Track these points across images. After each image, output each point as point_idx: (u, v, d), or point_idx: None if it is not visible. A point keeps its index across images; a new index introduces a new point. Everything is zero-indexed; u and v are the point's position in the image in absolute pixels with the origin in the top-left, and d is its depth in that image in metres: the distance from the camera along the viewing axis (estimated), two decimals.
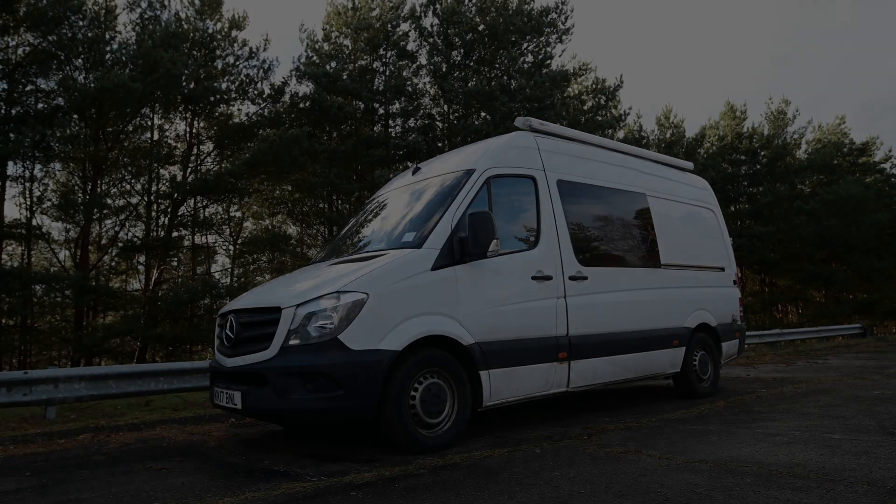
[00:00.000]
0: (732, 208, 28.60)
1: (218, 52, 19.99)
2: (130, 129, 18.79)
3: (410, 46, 21.31)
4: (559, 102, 19.87)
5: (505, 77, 19.73)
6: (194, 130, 20.90)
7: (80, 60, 17.09)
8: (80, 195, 18.12)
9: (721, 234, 7.63)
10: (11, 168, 17.56)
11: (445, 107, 21.04)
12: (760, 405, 5.93)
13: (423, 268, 4.36)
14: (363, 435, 5.01)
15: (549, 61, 20.82)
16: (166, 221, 19.00)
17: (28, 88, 16.99)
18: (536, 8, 20.36)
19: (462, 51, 20.15)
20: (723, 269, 7.39)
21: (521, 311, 4.82)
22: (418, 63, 21.44)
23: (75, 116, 16.19)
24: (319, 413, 3.99)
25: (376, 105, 20.65)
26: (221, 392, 4.51)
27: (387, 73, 21.18)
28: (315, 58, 20.89)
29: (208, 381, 5.30)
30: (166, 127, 20.78)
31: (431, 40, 20.26)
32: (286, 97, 20.81)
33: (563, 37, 21.22)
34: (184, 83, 17.36)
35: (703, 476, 3.30)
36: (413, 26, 20.91)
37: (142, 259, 19.83)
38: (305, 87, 20.87)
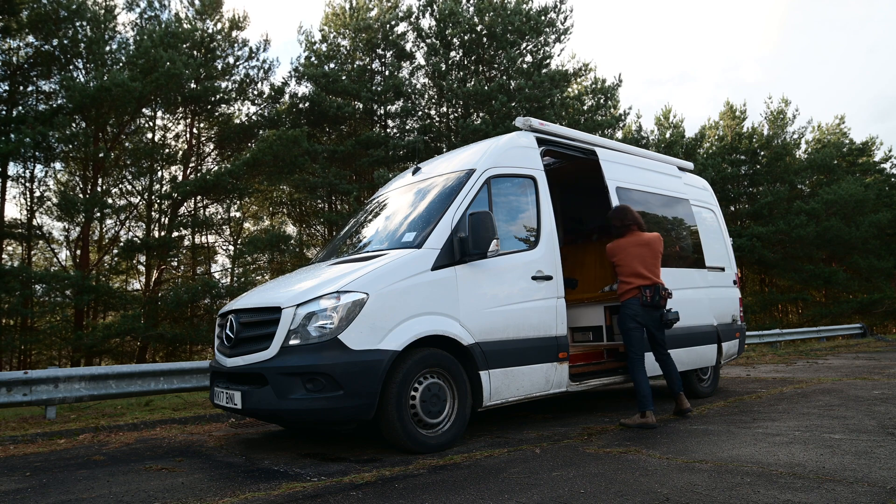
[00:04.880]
0: (732, 208, 28.59)
1: (218, 53, 20.01)
2: (131, 129, 18.80)
3: (408, 47, 21.34)
4: (558, 102, 19.86)
5: (504, 77, 19.72)
6: (194, 130, 20.92)
7: (80, 61, 17.09)
8: (80, 195, 18.12)
9: (721, 234, 7.64)
10: (12, 168, 17.61)
11: (444, 107, 21.06)
12: (760, 405, 5.93)
13: (423, 268, 4.36)
14: (363, 435, 5.01)
15: (547, 61, 20.82)
16: (166, 221, 19.01)
17: (29, 89, 17.03)
18: (535, 7, 20.37)
19: (460, 51, 20.15)
20: (723, 270, 7.39)
21: (521, 311, 4.82)
22: (416, 63, 21.48)
23: (76, 116, 16.20)
24: (319, 413, 3.99)
25: (375, 105, 20.66)
26: (221, 392, 4.51)
27: (385, 74, 21.20)
28: (313, 58, 20.92)
29: (208, 381, 5.31)
30: (167, 127, 20.82)
31: (429, 41, 20.26)
32: (286, 97, 20.86)
33: (562, 37, 21.25)
34: (184, 83, 17.36)
35: (704, 476, 3.31)
36: (411, 27, 20.92)
37: (142, 259, 19.83)
38: (305, 88, 20.93)
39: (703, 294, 6.77)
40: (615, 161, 6.26)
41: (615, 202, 5.93)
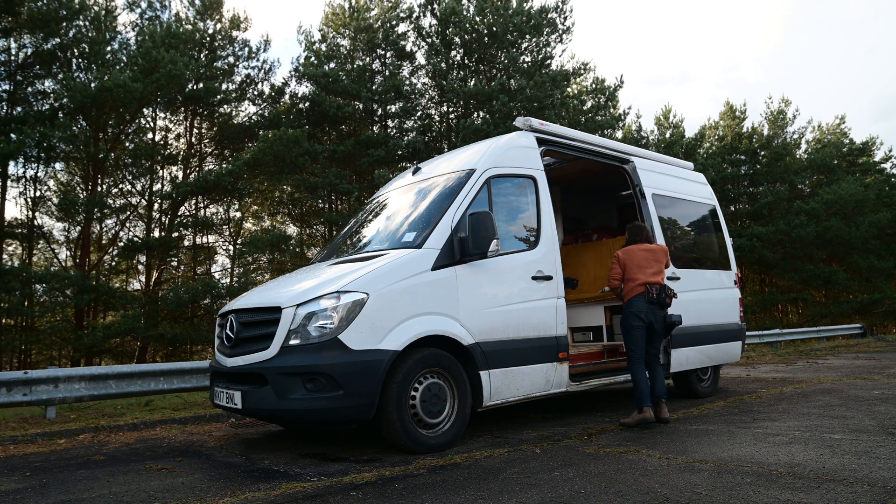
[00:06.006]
0: (732, 208, 28.58)
1: (218, 53, 20.01)
2: (131, 129, 18.80)
3: (409, 47, 21.34)
4: (559, 102, 19.86)
5: (504, 77, 19.72)
6: (195, 131, 20.92)
7: (81, 61, 17.09)
8: (80, 195, 18.12)
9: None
10: (12, 168, 17.60)
11: (445, 107, 21.05)
12: (760, 405, 5.93)
13: (424, 268, 4.35)
14: (363, 435, 5.01)
15: (548, 61, 20.82)
16: (166, 221, 19.00)
17: (30, 90, 17.01)
18: (535, 7, 20.38)
19: (461, 50, 20.16)
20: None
21: (521, 311, 4.82)
22: (417, 63, 21.48)
23: (76, 117, 16.19)
24: (319, 413, 3.99)
25: (375, 105, 20.66)
26: (221, 392, 4.51)
27: (385, 74, 21.20)
28: (313, 58, 20.92)
29: (208, 381, 5.31)
30: (168, 127, 20.82)
31: (430, 40, 20.26)
32: (286, 98, 20.85)
33: (563, 36, 21.25)
34: (184, 84, 17.36)
35: (704, 476, 3.31)
36: (411, 27, 20.92)
37: (142, 259, 19.83)
38: (305, 88, 20.93)
39: (729, 294, 7.12)
40: (650, 170, 6.57)
41: (651, 209, 6.24)
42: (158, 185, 19.60)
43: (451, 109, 20.88)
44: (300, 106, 20.58)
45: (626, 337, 5.18)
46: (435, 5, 20.00)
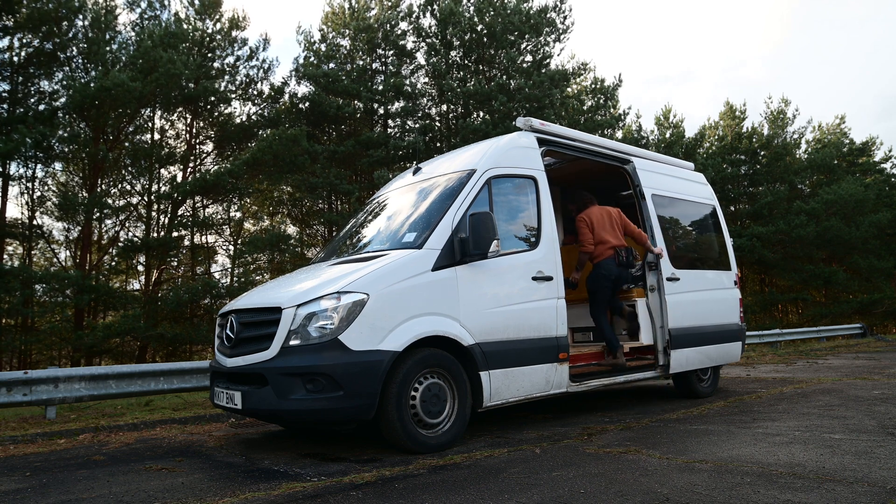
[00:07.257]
0: (732, 208, 28.59)
1: (218, 53, 20.01)
2: (131, 129, 18.79)
3: (409, 47, 21.35)
4: (558, 102, 19.86)
5: (504, 77, 19.73)
6: (194, 130, 20.91)
7: (80, 60, 17.08)
8: (80, 195, 18.12)
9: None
10: (13, 168, 17.59)
11: (444, 107, 21.05)
12: (760, 405, 5.93)
13: (424, 268, 4.35)
14: (363, 435, 5.01)
15: (547, 61, 20.83)
16: (166, 221, 18.99)
17: (30, 90, 17.01)
18: (534, 7, 20.38)
19: (461, 51, 20.16)
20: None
21: (521, 312, 4.82)
22: (416, 63, 21.49)
23: (76, 116, 16.19)
24: (320, 413, 3.99)
25: (375, 105, 20.66)
26: (221, 392, 4.51)
27: (386, 73, 21.21)
28: (313, 58, 20.92)
29: (208, 381, 5.31)
30: (166, 127, 20.81)
31: (429, 41, 20.27)
32: (286, 97, 20.85)
33: (562, 36, 21.26)
34: (183, 83, 17.35)
35: (704, 476, 3.31)
36: (411, 26, 20.93)
37: (142, 259, 19.82)
38: (305, 88, 20.93)
39: (729, 294, 7.14)
40: (650, 170, 6.58)
41: (651, 209, 6.30)
42: (158, 186, 19.60)
43: (450, 109, 20.89)
44: (300, 106, 20.59)
45: (597, 294, 5.92)
46: (434, 5, 20.01)
